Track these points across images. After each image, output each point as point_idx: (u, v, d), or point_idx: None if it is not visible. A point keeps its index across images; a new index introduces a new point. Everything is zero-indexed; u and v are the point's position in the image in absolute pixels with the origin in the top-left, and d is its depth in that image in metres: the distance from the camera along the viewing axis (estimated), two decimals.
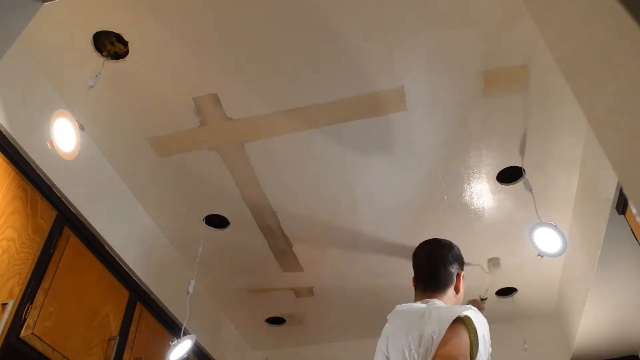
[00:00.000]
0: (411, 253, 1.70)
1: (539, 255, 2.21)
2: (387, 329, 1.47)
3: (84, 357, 1.93)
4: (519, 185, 2.36)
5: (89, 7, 1.66)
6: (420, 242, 1.69)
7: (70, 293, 1.91)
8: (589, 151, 2.13)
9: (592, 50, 0.76)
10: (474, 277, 3.05)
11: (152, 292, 2.48)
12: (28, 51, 1.80)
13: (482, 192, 2.42)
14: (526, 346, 3.19)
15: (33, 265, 1.74)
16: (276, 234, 2.69)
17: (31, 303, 1.70)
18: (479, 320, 1.35)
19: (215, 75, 1.90)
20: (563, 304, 3.15)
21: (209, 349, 3.02)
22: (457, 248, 1.67)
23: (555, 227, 2.17)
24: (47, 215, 1.86)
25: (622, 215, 1.94)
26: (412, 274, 1.65)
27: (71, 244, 1.95)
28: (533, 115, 2.04)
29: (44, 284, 1.77)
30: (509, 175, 2.34)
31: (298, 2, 1.65)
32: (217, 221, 2.61)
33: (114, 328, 2.17)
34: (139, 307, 2.39)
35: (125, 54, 1.80)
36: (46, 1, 1.29)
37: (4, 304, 1.56)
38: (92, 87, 1.73)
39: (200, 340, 2.88)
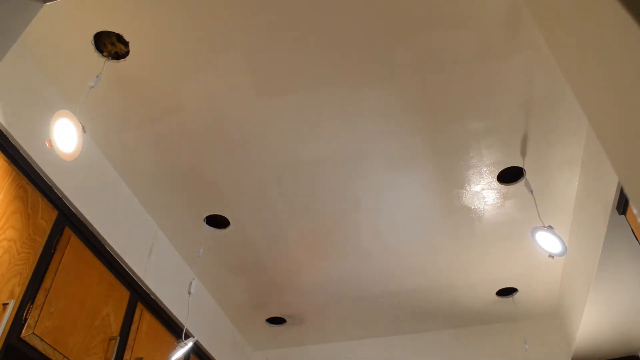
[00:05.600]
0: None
1: (550, 256, 2.21)
2: None
3: (84, 357, 1.94)
4: (519, 186, 2.36)
5: (89, 7, 1.66)
6: None
7: (71, 293, 1.91)
8: (589, 151, 2.14)
9: (593, 51, 0.76)
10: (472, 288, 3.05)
11: (152, 292, 2.48)
12: (29, 51, 1.80)
13: (482, 192, 2.42)
14: (527, 346, 3.19)
15: (34, 266, 1.74)
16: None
17: (32, 303, 1.70)
18: None
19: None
20: (563, 304, 3.15)
21: (209, 349, 3.02)
22: None
23: (552, 230, 2.17)
24: (48, 216, 1.86)
25: (623, 216, 1.94)
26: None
27: (72, 244, 1.96)
28: (534, 116, 2.04)
29: (45, 284, 1.77)
30: (510, 176, 2.34)
31: (302, 3, 1.65)
32: (217, 221, 2.61)
33: (115, 328, 2.17)
34: (139, 307, 2.39)
35: (126, 54, 1.80)
36: (47, 2, 1.29)
37: (5, 304, 1.56)
38: (92, 87, 1.73)
39: (200, 340, 2.88)
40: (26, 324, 1.66)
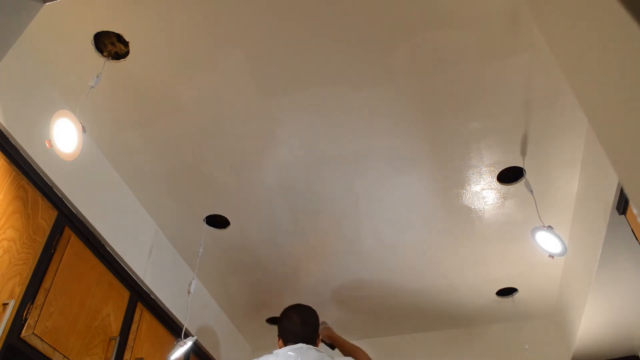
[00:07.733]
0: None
1: (550, 256, 2.21)
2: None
3: (84, 357, 1.94)
4: (519, 186, 2.36)
5: (89, 7, 1.66)
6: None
7: (70, 293, 1.91)
8: (589, 151, 2.14)
9: (593, 51, 0.76)
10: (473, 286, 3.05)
11: (152, 292, 2.48)
12: (29, 51, 1.80)
13: (482, 192, 2.42)
14: (527, 346, 3.19)
15: (34, 266, 1.74)
16: None
17: (32, 303, 1.70)
18: None
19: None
20: (563, 304, 3.15)
21: (209, 348, 3.02)
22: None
23: (552, 230, 2.17)
24: (48, 216, 1.86)
25: (623, 216, 1.94)
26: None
27: (72, 244, 1.96)
28: (534, 116, 2.04)
29: (45, 284, 1.77)
30: (510, 176, 2.34)
31: (302, 4, 1.65)
32: (217, 221, 2.61)
33: (115, 328, 2.17)
34: (139, 307, 2.39)
35: (126, 54, 1.80)
36: (47, 2, 1.29)
37: (5, 304, 1.56)
38: (92, 87, 1.73)
39: (200, 340, 2.88)
40: (26, 324, 1.66)
